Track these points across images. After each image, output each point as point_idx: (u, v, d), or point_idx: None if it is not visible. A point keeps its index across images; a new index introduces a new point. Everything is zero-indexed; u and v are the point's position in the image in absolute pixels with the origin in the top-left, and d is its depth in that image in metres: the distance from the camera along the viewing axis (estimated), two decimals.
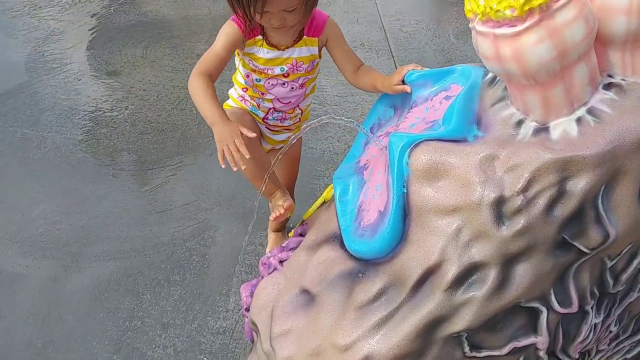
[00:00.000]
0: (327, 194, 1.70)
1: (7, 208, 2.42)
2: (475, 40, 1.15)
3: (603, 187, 1.09)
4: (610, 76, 1.17)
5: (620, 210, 1.11)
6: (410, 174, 1.19)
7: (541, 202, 1.07)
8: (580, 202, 1.08)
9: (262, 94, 1.68)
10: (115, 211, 2.38)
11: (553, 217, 1.08)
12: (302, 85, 1.68)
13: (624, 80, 1.15)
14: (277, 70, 1.62)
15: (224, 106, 1.74)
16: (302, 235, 1.64)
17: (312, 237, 1.50)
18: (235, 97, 1.76)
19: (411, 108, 1.44)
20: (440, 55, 3.21)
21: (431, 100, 1.40)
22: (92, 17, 3.86)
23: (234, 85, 1.76)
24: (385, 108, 1.61)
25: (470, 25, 1.17)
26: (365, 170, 1.46)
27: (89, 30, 3.72)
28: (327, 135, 2.68)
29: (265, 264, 1.64)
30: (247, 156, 1.38)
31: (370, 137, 1.50)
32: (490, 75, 1.30)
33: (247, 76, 1.66)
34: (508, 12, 1.04)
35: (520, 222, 1.08)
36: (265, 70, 1.62)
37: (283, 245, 1.69)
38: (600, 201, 1.09)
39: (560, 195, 1.07)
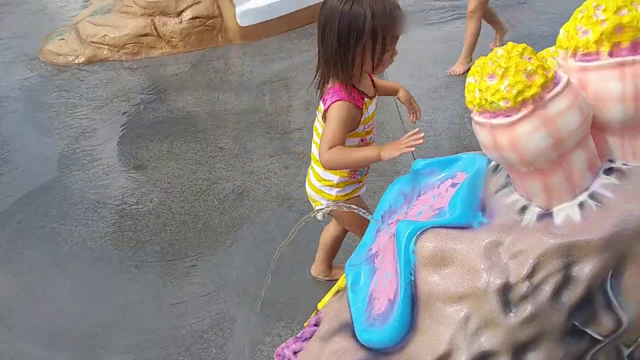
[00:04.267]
0: (341, 282, 1.70)
1: (33, 300, 2.46)
2: (475, 129, 1.19)
3: (610, 272, 1.08)
4: (611, 161, 1.18)
5: (631, 296, 1.09)
6: (417, 261, 1.20)
7: (547, 288, 1.06)
8: (588, 288, 1.06)
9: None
10: (136, 303, 2.40)
11: (561, 303, 1.07)
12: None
13: (624, 165, 1.17)
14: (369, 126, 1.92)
15: (315, 203, 2.06)
16: (316, 325, 1.63)
17: (325, 327, 1.49)
18: (336, 182, 1.99)
19: (419, 196, 1.47)
20: (455, 142, 3.27)
21: (438, 187, 1.42)
22: (122, 114, 4.06)
23: (322, 186, 2.00)
24: (397, 196, 1.64)
25: (470, 115, 1.21)
26: (376, 258, 1.47)
27: (120, 127, 3.90)
28: None
29: (279, 355, 1.63)
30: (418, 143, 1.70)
31: (379, 225, 1.52)
32: (493, 162, 1.33)
33: (362, 140, 1.92)
34: (502, 104, 1.08)
35: (527, 309, 1.07)
36: (369, 128, 1.91)
37: (297, 335, 1.67)
38: (609, 286, 1.08)
39: (566, 280, 1.06)
